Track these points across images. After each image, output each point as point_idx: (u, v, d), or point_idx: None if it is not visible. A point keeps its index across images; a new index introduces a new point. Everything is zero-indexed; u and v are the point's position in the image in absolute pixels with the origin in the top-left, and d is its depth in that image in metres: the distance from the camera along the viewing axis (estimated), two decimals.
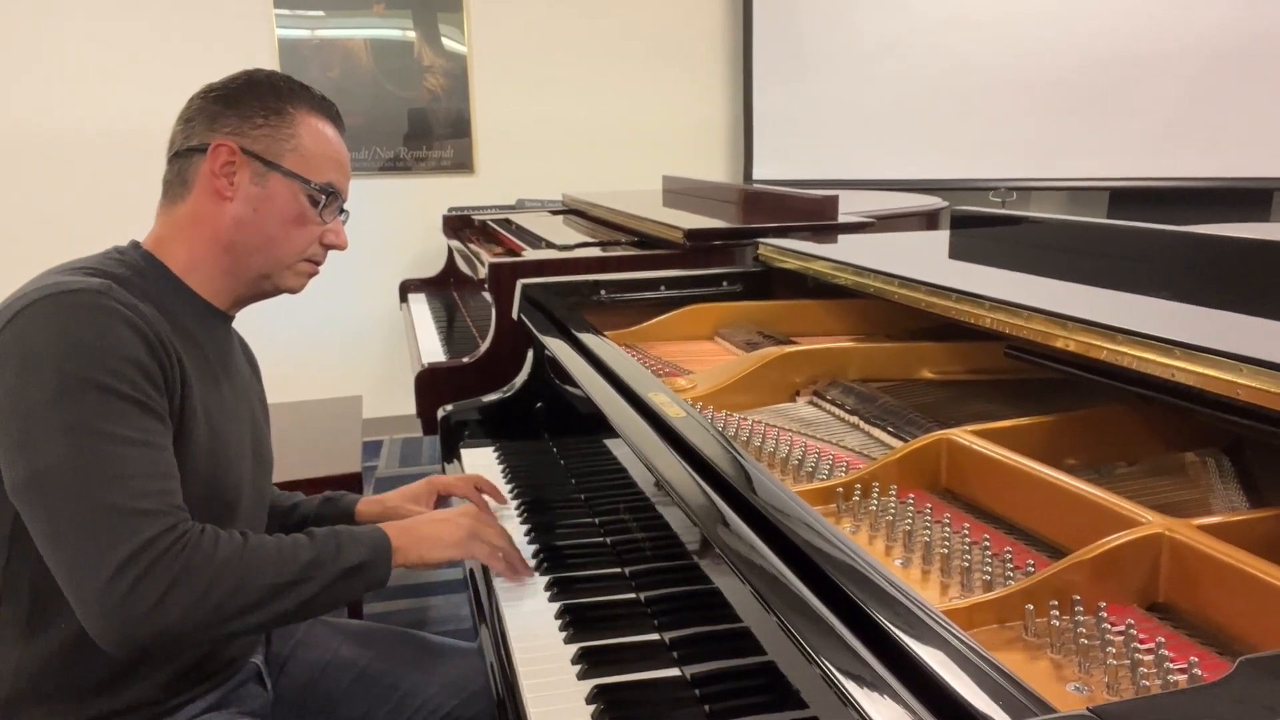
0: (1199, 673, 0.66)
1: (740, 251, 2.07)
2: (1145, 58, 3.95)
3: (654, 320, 1.73)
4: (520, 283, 1.78)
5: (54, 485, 0.94)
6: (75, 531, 0.93)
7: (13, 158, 3.88)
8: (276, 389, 1.61)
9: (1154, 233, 1.39)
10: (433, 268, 3.68)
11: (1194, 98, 3.90)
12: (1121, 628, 0.72)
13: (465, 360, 2.12)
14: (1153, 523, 0.80)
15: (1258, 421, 0.86)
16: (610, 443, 1.34)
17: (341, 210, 1.22)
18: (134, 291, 1.05)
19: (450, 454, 1.81)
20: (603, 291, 1.80)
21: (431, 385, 2.11)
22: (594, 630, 1.13)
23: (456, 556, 1.20)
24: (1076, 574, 0.77)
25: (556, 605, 1.20)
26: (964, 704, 0.55)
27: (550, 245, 2.39)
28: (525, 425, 1.82)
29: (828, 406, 1.33)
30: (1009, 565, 0.84)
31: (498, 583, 1.27)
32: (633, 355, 1.48)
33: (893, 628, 0.63)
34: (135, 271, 1.11)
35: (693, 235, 2.10)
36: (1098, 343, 1.02)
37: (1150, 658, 0.68)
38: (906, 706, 0.58)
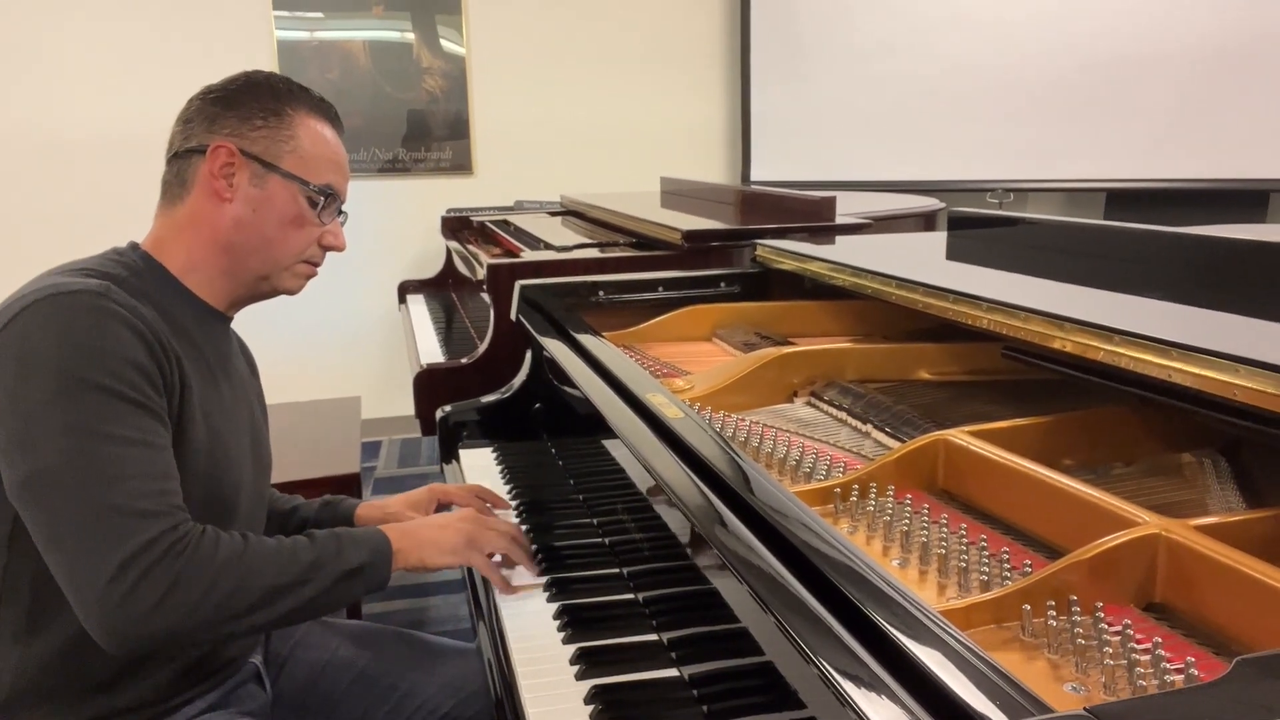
0: (1196, 673, 0.66)
1: (738, 252, 2.07)
2: (1142, 59, 3.95)
3: (652, 321, 1.73)
4: (518, 284, 1.78)
5: (54, 486, 0.94)
6: (75, 532, 0.93)
7: (12, 158, 3.88)
8: (275, 390, 1.61)
9: (1151, 234, 1.39)
10: (431, 269, 3.68)
11: (1190, 99, 3.91)
12: (1118, 628, 0.72)
13: (464, 361, 2.12)
14: (1149, 523, 0.80)
15: (1254, 422, 0.86)
16: (608, 443, 1.34)
17: (340, 212, 1.22)
18: (133, 293, 1.05)
19: (449, 455, 1.81)
20: (601, 292, 1.81)
21: (430, 386, 2.11)
22: (592, 630, 1.13)
23: (455, 563, 1.20)
24: (1073, 574, 0.77)
25: (555, 606, 1.20)
26: (961, 704, 0.55)
27: (548, 246, 2.39)
28: (524, 426, 1.82)
29: (825, 407, 1.34)
30: (1006, 565, 0.84)
31: None
32: (631, 356, 1.48)
33: (890, 628, 0.63)
34: (134, 272, 1.11)
35: (691, 236, 2.10)
36: (1095, 343, 1.03)
37: (1147, 658, 0.68)
38: (904, 706, 0.58)
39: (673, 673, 1.03)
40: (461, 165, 4.33)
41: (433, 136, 4.29)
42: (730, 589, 0.87)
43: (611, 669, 1.05)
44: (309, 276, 1.23)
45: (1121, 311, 1.12)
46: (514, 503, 1.54)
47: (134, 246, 1.17)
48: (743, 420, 1.25)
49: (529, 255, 2.28)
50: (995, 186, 4.24)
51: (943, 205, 2.93)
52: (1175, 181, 3.98)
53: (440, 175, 4.32)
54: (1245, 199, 3.93)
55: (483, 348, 2.10)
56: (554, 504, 1.53)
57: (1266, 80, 3.74)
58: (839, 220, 2.27)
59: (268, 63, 4.01)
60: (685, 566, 1.01)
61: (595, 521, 1.41)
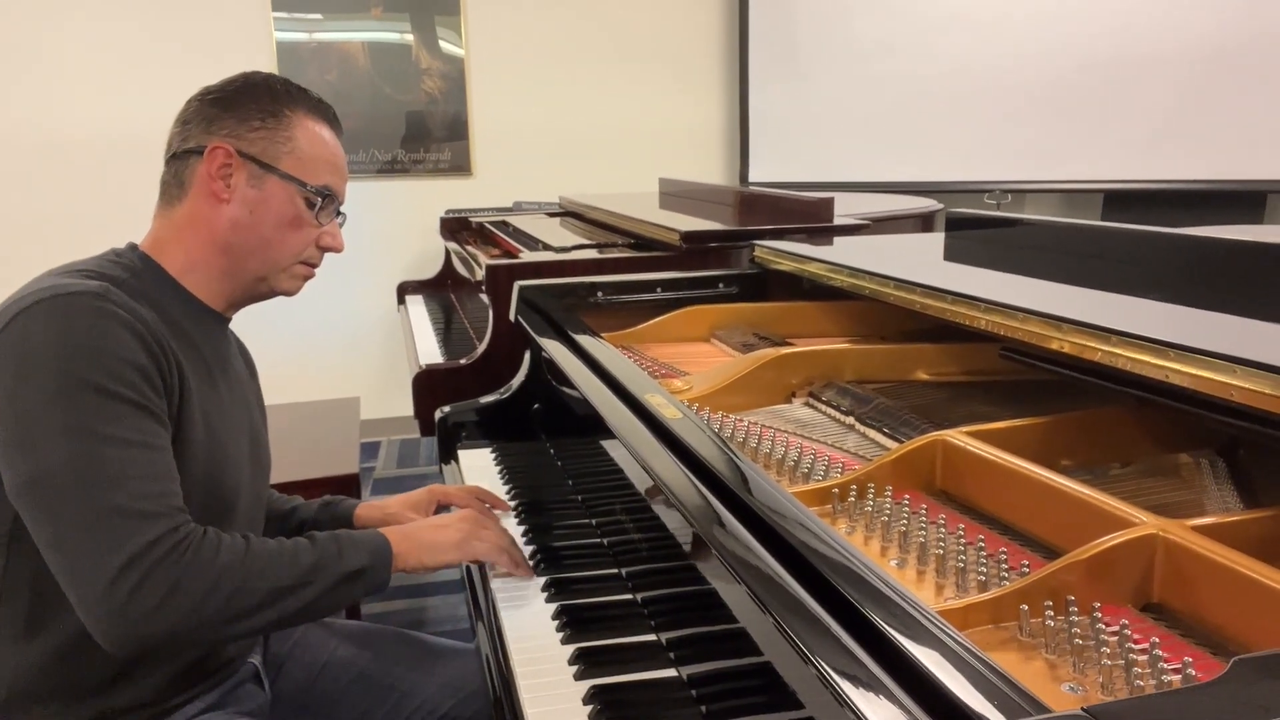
0: (1193, 673, 0.66)
1: (736, 253, 2.07)
2: (1140, 60, 3.96)
3: (650, 322, 1.73)
4: (517, 284, 1.78)
5: (54, 488, 0.94)
6: (76, 534, 0.93)
7: (12, 158, 3.88)
8: (274, 390, 1.61)
9: (1148, 235, 1.40)
10: (430, 270, 3.68)
11: (1188, 100, 3.91)
12: (1116, 628, 0.73)
13: (463, 362, 2.12)
14: (1147, 523, 0.80)
15: (1251, 422, 0.86)
16: (607, 444, 1.34)
17: (338, 213, 1.22)
18: (132, 294, 1.05)
19: (448, 455, 1.81)
20: (599, 293, 1.81)
21: (429, 387, 2.11)
22: (591, 631, 1.13)
23: (455, 560, 1.20)
24: (1071, 574, 0.77)
25: (554, 606, 1.20)
26: (959, 704, 0.55)
27: (547, 247, 2.40)
28: (522, 426, 1.82)
29: (823, 408, 1.34)
30: (1004, 566, 0.84)
31: (495, 584, 1.27)
32: (629, 357, 1.48)
33: (888, 628, 0.64)
34: (133, 274, 1.11)
35: (689, 237, 2.10)
36: (1092, 344, 1.03)
37: (1145, 658, 0.69)
38: (902, 706, 0.58)
39: (671, 673, 1.03)
40: (460, 166, 4.33)
41: (431, 138, 4.29)
42: (728, 589, 0.87)
43: (610, 669, 1.05)
44: (307, 278, 1.23)
45: (1119, 312, 1.12)
46: (513, 503, 1.55)
47: (132, 247, 1.17)
48: (741, 421, 1.25)
49: (528, 256, 2.28)
50: (993, 187, 4.25)
51: (940, 206, 2.93)
52: (1173, 182, 3.98)
53: (439, 176, 4.32)
54: (1243, 200, 3.93)
55: (481, 348, 2.10)
56: (553, 504, 1.53)
57: (1264, 81, 3.75)
58: (837, 221, 2.27)
59: (267, 64, 4.01)
60: (684, 567, 1.01)
61: (594, 522, 1.41)
